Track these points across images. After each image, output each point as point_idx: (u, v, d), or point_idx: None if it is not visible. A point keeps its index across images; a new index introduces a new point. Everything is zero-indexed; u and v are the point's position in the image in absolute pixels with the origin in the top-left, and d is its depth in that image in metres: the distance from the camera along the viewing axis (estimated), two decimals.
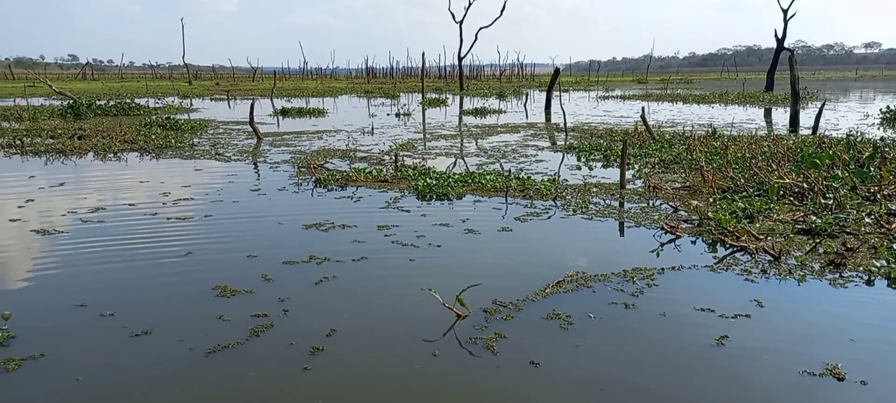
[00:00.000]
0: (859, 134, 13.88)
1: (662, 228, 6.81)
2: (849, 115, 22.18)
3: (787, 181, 8.35)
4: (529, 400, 3.56)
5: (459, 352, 4.07)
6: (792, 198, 7.95)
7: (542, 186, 8.90)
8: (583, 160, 11.96)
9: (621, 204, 8.08)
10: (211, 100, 35.83)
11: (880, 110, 20.67)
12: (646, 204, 8.01)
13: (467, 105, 29.89)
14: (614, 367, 3.92)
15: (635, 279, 5.26)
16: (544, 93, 27.48)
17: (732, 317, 4.49)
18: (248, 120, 16.26)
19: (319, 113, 24.61)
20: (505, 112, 25.94)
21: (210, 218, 7.62)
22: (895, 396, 3.50)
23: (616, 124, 19.22)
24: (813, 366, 3.77)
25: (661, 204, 8.04)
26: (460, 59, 49.25)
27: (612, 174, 10.17)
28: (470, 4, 48.28)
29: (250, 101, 17.84)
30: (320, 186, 9.48)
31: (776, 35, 38.11)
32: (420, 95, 35.18)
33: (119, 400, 3.54)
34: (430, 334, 4.29)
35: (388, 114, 24.52)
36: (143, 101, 28.66)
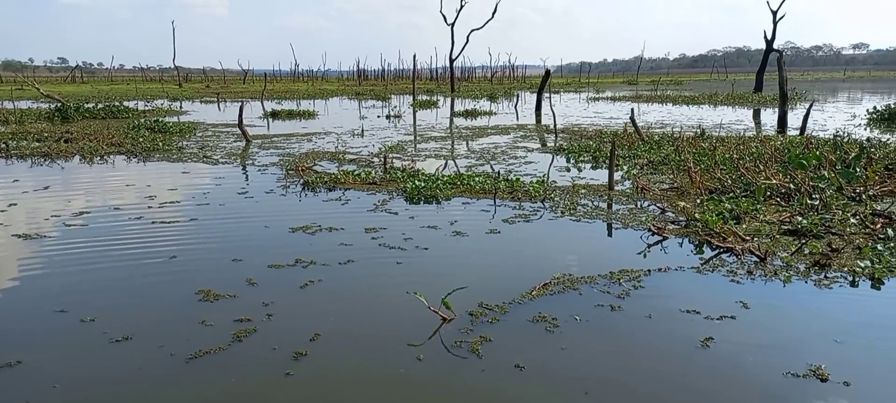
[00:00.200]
0: (846, 134, 13.96)
1: (650, 230, 6.81)
2: (836, 116, 22.34)
3: (774, 182, 8.38)
4: None
5: (444, 356, 4.05)
6: (779, 199, 7.97)
7: (531, 188, 8.89)
8: (572, 161, 11.97)
9: (609, 206, 8.08)
10: (201, 102, 35.64)
11: (867, 111, 20.82)
12: (634, 206, 8.01)
13: (458, 107, 29.89)
14: (599, 370, 3.90)
15: (622, 281, 5.25)
16: (535, 95, 27.51)
17: (718, 319, 4.49)
18: (237, 122, 16.18)
19: (310, 115, 24.54)
20: (496, 114, 25.95)
21: (195, 222, 7.56)
22: (878, 397, 3.51)
23: (606, 125, 19.26)
24: (797, 367, 3.76)
25: (648, 205, 8.04)
26: (452, 61, 49.27)
27: (601, 175, 10.18)
28: (462, 7, 48.34)
29: (240, 104, 17.75)
30: (308, 189, 9.44)
31: (765, 36, 38.36)
32: (411, 97, 35.14)
33: None
34: (415, 338, 4.26)
35: (378, 117, 24.48)
36: (132, 104, 28.47)
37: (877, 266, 5.37)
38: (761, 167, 9.31)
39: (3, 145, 14.50)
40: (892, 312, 4.73)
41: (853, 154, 9.58)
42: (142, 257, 6.16)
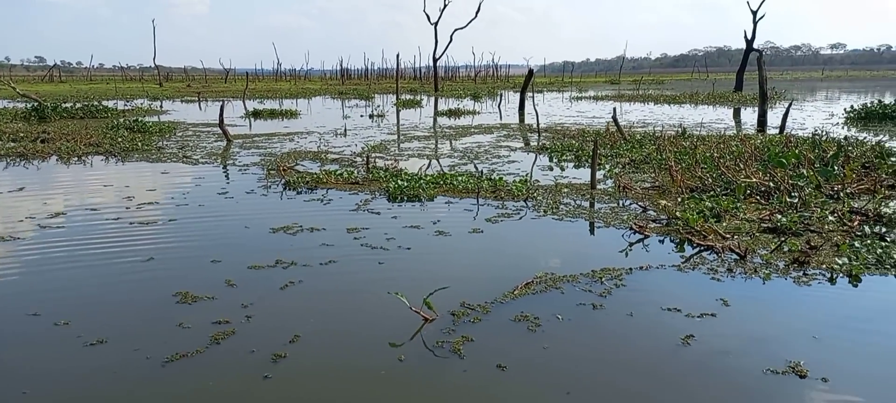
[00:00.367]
0: (824, 133, 14.15)
1: (631, 228, 6.83)
2: (815, 115, 22.62)
3: (754, 180, 8.45)
4: None
5: (426, 356, 4.02)
6: (758, 197, 8.04)
7: (514, 187, 8.89)
8: (555, 160, 11.99)
9: (592, 205, 8.10)
10: (181, 102, 35.26)
11: (845, 110, 21.11)
12: (616, 205, 8.04)
13: (442, 106, 29.84)
14: (581, 369, 3.89)
15: (603, 279, 5.26)
16: (518, 94, 27.56)
17: (698, 317, 4.50)
18: (218, 122, 16.02)
19: (292, 114, 24.37)
20: (479, 113, 25.95)
21: (174, 223, 7.46)
22: (855, 393, 3.53)
23: (588, 125, 19.34)
24: (776, 364, 3.78)
25: (630, 204, 8.07)
26: (435, 61, 49.22)
27: (584, 174, 10.20)
28: (445, 6, 48.31)
29: (221, 103, 17.58)
30: (290, 189, 9.35)
31: (746, 36, 38.74)
32: (395, 96, 35.06)
33: None
34: (396, 338, 4.22)
35: (361, 116, 24.37)
36: (111, 104, 28.07)
37: (854, 263, 5.42)
38: (741, 165, 9.39)
39: None
40: (869, 309, 4.78)
41: (831, 152, 9.70)
42: (118, 258, 6.05)
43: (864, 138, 13.65)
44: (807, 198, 7.64)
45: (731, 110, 25.75)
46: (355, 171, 10.43)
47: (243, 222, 7.41)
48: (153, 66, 62.29)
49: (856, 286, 5.13)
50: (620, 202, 8.17)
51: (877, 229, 6.43)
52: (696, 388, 3.66)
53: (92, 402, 3.51)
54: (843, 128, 17.70)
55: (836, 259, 5.56)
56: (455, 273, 5.63)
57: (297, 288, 5.18)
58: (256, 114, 24.24)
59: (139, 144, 14.55)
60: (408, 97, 35.82)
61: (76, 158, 12.90)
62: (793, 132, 15.06)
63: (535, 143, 14.83)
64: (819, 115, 22.34)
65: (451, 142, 15.45)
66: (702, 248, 6.10)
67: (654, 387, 3.67)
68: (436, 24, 47.83)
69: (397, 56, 35.22)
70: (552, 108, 28.31)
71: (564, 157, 12.24)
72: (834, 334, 4.27)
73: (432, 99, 37.23)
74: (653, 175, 9.90)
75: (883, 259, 5.52)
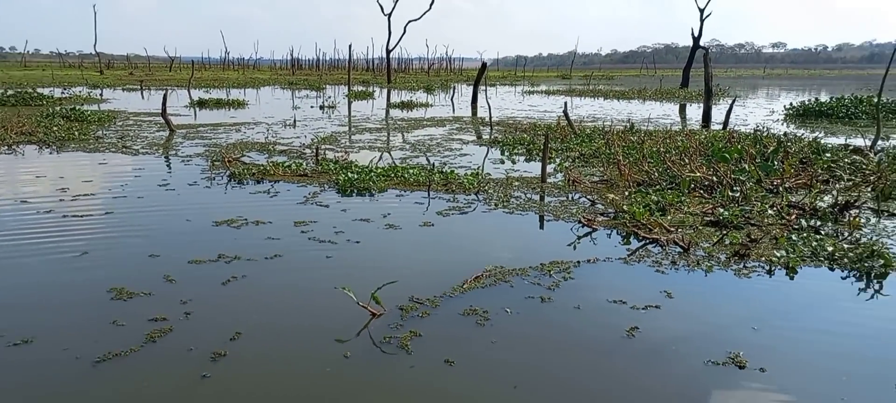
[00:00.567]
0: (765, 129, 14.63)
1: (580, 221, 6.89)
2: (757, 111, 23.40)
3: (698, 174, 8.65)
4: (443, 400, 3.47)
5: (373, 352, 3.94)
6: (702, 191, 8.23)
7: (465, 180, 8.86)
8: (506, 154, 12.03)
9: (542, 198, 8.15)
10: (123, 90, 33.98)
11: (784, 107, 21.91)
12: (565, 198, 8.10)
13: (394, 98, 29.64)
14: (529, 363, 3.88)
15: (552, 272, 5.28)
16: (471, 88, 27.59)
17: (643, 309, 4.56)
18: (160, 111, 15.48)
19: (239, 104, 23.78)
20: (432, 106, 25.88)
21: (111, 216, 7.15)
22: (791, 382, 3.63)
23: (540, 119, 19.50)
24: (717, 356, 3.86)
25: (579, 197, 8.15)
26: (388, 52, 48.82)
27: (534, 168, 10.26)
28: None
29: (164, 92, 16.99)
30: (235, 181, 9.10)
31: (693, 33, 39.76)
32: (347, 88, 34.62)
33: None
34: (342, 334, 4.14)
35: (312, 107, 23.98)
36: (47, 91, 26.82)
37: (791, 255, 5.60)
38: (686, 160, 9.61)
39: None
40: (805, 300, 4.94)
41: (771, 148, 10.03)
42: (50, 253, 5.76)
43: (802, 134, 14.16)
44: (748, 193, 7.86)
45: (678, 106, 26.41)
46: (304, 163, 10.23)
47: (185, 215, 7.16)
48: (94, 52, 59.91)
49: (792, 278, 5.29)
50: (570, 195, 8.25)
51: (812, 223, 6.66)
52: (640, 380, 3.70)
53: None
54: (782, 124, 18.36)
55: (775, 251, 5.72)
56: (404, 267, 5.56)
57: (240, 283, 5.02)
58: (202, 104, 23.57)
59: (76, 134, 13.93)
60: (360, 89, 35.45)
61: (7, 148, 12.25)
62: (736, 128, 15.51)
63: (488, 137, 14.86)
64: (760, 112, 23.11)
65: (403, 135, 15.33)
66: (647, 241, 6.20)
67: (600, 379, 3.69)
68: (389, 15, 47.42)
69: (350, 47, 34.73)
70: (505, 102, 28.46)
71: (516, 151, 12.30)
72: (772, 325, 4.39)
73: (385, 90, 36.95)
74: (601, 169, 10.04)
75: (817, 251, 5.72)
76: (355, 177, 8.87)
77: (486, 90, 23.08)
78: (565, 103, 17.85)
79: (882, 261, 5.40)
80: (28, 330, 4.07)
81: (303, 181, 9.05)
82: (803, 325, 4.41)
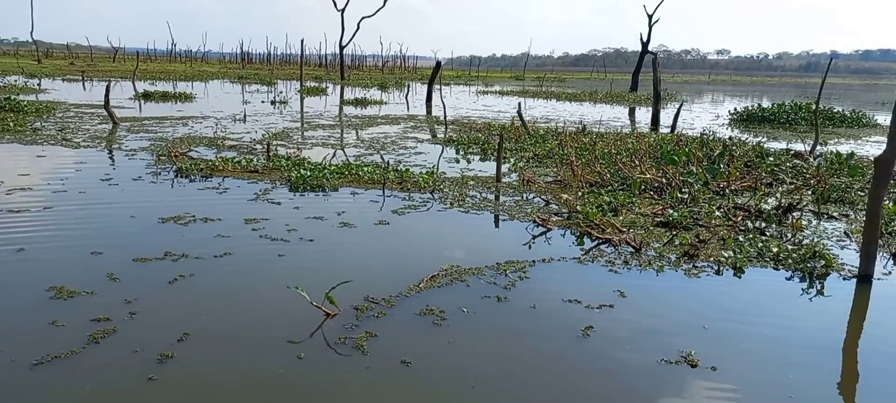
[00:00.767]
0: (712, 133, 15.07)
1: (535, 221, 6.94)
2: (702, 116, 24.12)
3: (648, 176, 8.84)
4: (400, 402, 3.42)
5: (327, 354, 3.86)
6: (652, 193, 8.41)
7: (421, 179, 8.82)
8: (461, 153, 12.04)
9: (497, 198, 8.17)
10: (63, 80, 32.59)
11: (729, 112, 22.64)
12: (520, 198, 8.15)
13: (348, 95, 29.33)
14: (485, 363, 3.87)
15: (508, 271, 5.29)
16: (425, 86, 27.55)
17: (597, 308, 4.61)
18: (103, 103, 14.89)
19: (186, 97, 23.11)
20: (386, 103, 25.72)
21: (49, 211, 6.82)
22: (741, 380, 3.72)
23: (494, 119, 19.61)
24: (670, 354, 3.93)
25: (534, 197, 8.21)
26: (342, 48, 48.29)
27: (489, 167, 10.29)
28: None
29: (107, 83, 16.35)
30: (182, 176, 8.81)
31: (642, 39, 40.65)
32: (299, 83, 34.06)
33: None
34: (295, 335, 4.04)
35: (263, 102, 23.50)
36: None
37: (738, 255, 5.76)
38: (636, 162, 9.80)
39: None
40: (753, 299, 5.08)
41: (718, 151, 10.33)
42: None
43: (746, 139, 14.66)
44: (696, 194, 8.07)
45: (627, 109, 26.99)
46: (255, 159, 10.00)
47: (129, 211, 6.89)
48: (31, 40, 57.25)
49: (740, 277, 5.45)
50: (524, 195, 8.30)
51: (757, 224, 6.88)
52: (595, 379, 3.74)
53: None
54: (727, 128, 18.96)
55: (723, 252, 5.88)
56: (359, 266, 5.48)
57: (188, 282, 4.85)
58: (147, 96, 22.81)
59: (11, 125, 13.27)
60: (312, 84, 34.92)
61: None
62: (683, 131, 15.94)
63: (442, 135, 14.85)
64: (706, 116, 23.82)
65: (357, 132, 15.17)
66: (600, 241, 6.28)
67: (556, 379, 3.71)
68: (343, 10, 46.91)
69: (302, 42, 34.15)
70: (459, 101, 28.53)
71: (471, 150, 12.32)
72: (722, 324, 4.50)
73: (338, 87, 36.54)
74: (555, 169, 10.15)
75: (763, 252, 5.91)
76: (308, 173, 8.71)
77: (440, 89, 23.06)
78: (519, 104, 18.00)
79: (823, 262, 5.62)
80: None
81: (253, 177, 8.84)
82: (752, 324, 4.54)
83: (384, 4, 47.98)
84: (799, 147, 12.96)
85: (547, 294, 4.90)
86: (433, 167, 10.08)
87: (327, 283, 4.43)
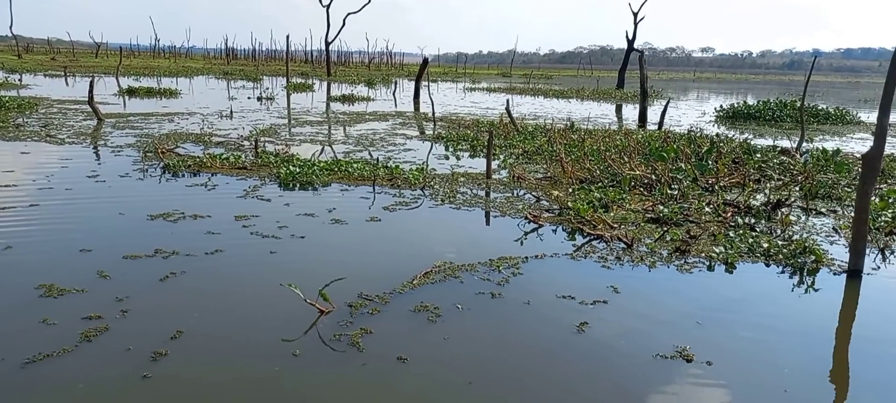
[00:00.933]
0: (699, 130, 15.17)
1: (526, 217, 6.95)
2: (689, 113, 24.28)
3: (638, 173, 8.88)
4: (396, 399, 3.41)
5: (322, 351, 3.84)
6: (642, 189, 8.45)
7: (411, 175, 8.80)
8: (450, 150, 12.03)
9: (488, 194, 8.17)
10: (45, 76, 32.15)
11: (715, 109, 22.81)
12: (510, 194, 8.16)
13: (335, 91, 29.21)
14: (482, 359, 3.87)
15: (501, 268, 5.29)
16: (413, 83, 27.48)
17: (591, 304, 4.63)
18: (87, 99, 14.70)
19: (171, 93, 22.89)
20: (374, 100, 25.63)
21: (36, 208, 6.72)
22: (737, 375, 3.75)
23: (482, 115, 19.61)
24: (664, 349, 3.95)
25: (524, 193, 8.22)
26: (328, 44, 48.06)
27: (479, 164, 10.29)
28: None
29: (90, 79, 16.14)
30: (169, 173, 8.72)
31: (627, 36, 40.82)
32: (285, 79, 33.85)
33: None
34: (290, 333, 4.01)
35: (249, 98, 23.32)
36: None
37: (729, 251, 5.81)
38: (626, 159, 9.84)
39: None
40: (745, 294, 5.12)
41: (705, 148, 10.40)
42: None
43: (733, 136, 14.76)
44: (685, 190, 8.12)
45: (614, 106, 27.10)
46: (243, 156, 9.92)
47: (117, 208, 6.80)
48: (10, 34, 56.39)
49: (731, 273, 5.49)
50: (515, 192, 8.31)
51: (747, 220, 6.94)
52: (592, 374, 3.75)
53: None
54: (714, 125, 19.10)
55: (714, 247, 5.93)
56: (352, 262, 5.46)
57: (180, 279, 4.80)
58: (132, 92, 22.57)
59: None
60: (299, 81, 34.73)
61: None
62: (670, 128, 16.03)
63: (431, 132, 14.82)
64: (693, 113, 23.99)
65: (345, 129, 15.11)
66: (592, 237, 6.30)
67: (553, 374, 3.71)
68: (328, 6, 46.65)
69: (288, 37, 34.00)
70: (447, 98, 28.49)
71: (460, 147, 12.31)
72: (715, 319, 4.54)
73: (325, 83, 36.36)
74: (545, 166, 10.17)
75: (754, 247, 5.96)
76: (298, 170, 8.66)
77: (428, 86, 23.05)
78: (507, 100, 18.01)
79: (813, 257, 5.68)
80: None
81: (242, 174, 8.77)
82: (745, 319, 4.57)
83: (369, 1, 47.79)
84: (785, 143, 13.09)
85: (540, 290, 4.91)
86: (423, 163, 10.06)
87: (320, 280, 4.40)
